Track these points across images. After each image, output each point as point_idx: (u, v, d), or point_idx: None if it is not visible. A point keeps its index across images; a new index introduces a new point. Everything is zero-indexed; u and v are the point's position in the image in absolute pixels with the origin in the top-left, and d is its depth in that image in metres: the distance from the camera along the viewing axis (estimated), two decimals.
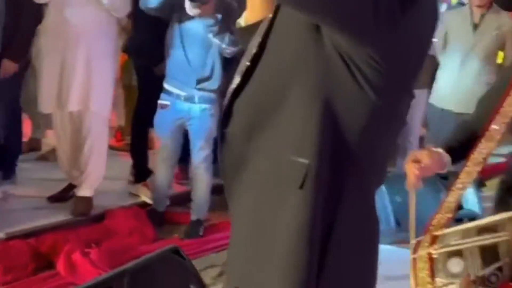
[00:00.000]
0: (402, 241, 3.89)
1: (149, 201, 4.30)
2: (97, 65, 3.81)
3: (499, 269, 1.80)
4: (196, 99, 3.91)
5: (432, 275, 1.85)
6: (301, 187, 1.30)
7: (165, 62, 3.96)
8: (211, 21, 3.81)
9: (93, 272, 3.36)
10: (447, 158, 1.98)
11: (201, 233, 4.07)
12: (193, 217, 4.10)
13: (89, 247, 3.63)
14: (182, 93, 3.90)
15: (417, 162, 1.92)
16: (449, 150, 2.01)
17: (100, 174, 4.02)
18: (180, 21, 3.86)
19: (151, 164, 4.53)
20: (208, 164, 4.05)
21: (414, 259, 1.89)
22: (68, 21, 3.69)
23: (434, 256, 1.86)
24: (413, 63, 1.37)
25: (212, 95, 3.94)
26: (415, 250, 1.90)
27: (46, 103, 3.88)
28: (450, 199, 1.97)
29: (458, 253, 1.85)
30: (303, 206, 1.31)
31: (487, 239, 1.83)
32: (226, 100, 1.43)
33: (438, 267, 1.86)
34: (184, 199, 4.41)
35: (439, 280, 1.84)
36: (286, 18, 1.35)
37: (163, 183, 4.15)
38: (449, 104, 4.22)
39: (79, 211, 3.98)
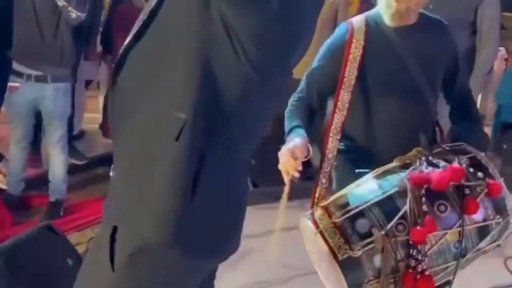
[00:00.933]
0: (257, 201, 4.16)
1: (3, 186, 4.17)
2: None
3: (402, 217, 1.93)
4: (49, 79, 3.82)
5: (347, 241, 1.91)
6: (177, 139, 1.43)
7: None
8: None
9: None
10: (308, 142, 2.14)
11: (61, 214, 4.03)
12: (52, 198, 4.04)
13: None
14: (34, 73, 3.80)
15: (294, 158, 2.04)
16: (306, 133, 2.18)
17: None
18: None
19: (0, 149, 4.41)
20: (63, 144, 4.01)
21: (321, 232, 1.95)
22: None
23: (339, 224, 1.94)
24: (292, 44, 1.48)
25: (65, 72, 3.88)
26: (316, 225, 1.99)
27: None
28: (325, 169, 2.16)
29: (360, 215, 1.95)
30: (177, 157, 1.44)
31: (380, 196, 1.97)
32: (122, 48, 1.52)
33: (348, 232, 1.93)
34: (39, 182, 4.33)
35: (355, 245, 1.91)
36: None
37: (17, 166, 4.05)
38: None
39: None
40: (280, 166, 2.10)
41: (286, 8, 1.36)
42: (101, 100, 5.52)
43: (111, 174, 1.56)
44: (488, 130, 5.36)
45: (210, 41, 1.41)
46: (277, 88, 1.55)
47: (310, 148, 2.10)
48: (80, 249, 3.56)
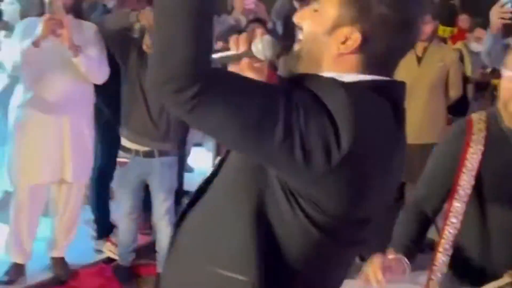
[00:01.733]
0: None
1: (114, 256, 4.26)
2: (78, 133, 3.80)
3: None
4: (156, 154, 3.90)
5: None
6: None
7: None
8: None
9: None
10: (408, 264, 1.96)
11: None
12: (160, 269, 4.08)
13: None
14: (142, 149, 3.89)
15: (388, 270, 1.87)
16: (408, 252, 1.99)
17: (73, 233, 4.05)
18: (139, 63, 3.80)
19: (112, 216, 4.52)
20: (171, 215, 4.03)
21: None
22: (46, 91, 3.65)
23: None
24: (357, 202, 1.33)
25: (171, 147, 3.95)
26: None
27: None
28: None
29: None
30: None
31: None
32: (181, 210, 1.50)
33: None
34: (149, 250, 4.38)
35: None
36: None
37: (128, 238, 4.12)
38: None
39: (60, 272, 3.96)
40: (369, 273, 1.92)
41: (344, 173, 1.25)
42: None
43: None
44: None
45: (266, 199, 1.32)
46: (353, 238, 1.40)
47: (408, 268, 1.94)
48: None
